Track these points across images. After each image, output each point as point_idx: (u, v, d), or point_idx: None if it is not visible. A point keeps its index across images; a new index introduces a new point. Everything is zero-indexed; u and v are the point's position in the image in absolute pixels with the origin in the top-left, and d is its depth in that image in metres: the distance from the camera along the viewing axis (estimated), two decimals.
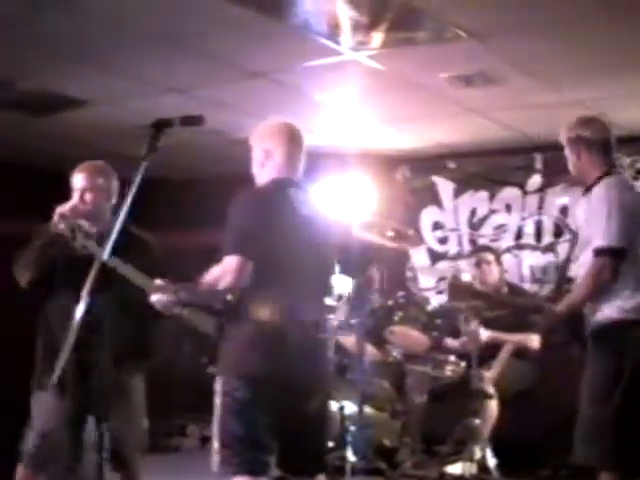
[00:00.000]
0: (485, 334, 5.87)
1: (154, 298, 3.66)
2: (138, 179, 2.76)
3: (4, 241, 4.29)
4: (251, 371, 3.41)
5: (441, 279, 7.61)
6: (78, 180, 4.33)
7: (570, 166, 4.21)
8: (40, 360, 4.25)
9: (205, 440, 7.86)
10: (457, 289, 5.53)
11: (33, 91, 6.13)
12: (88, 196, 4.28)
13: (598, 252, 3.92)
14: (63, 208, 4.22)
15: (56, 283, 4.19)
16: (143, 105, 6.21)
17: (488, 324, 5.88)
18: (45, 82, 5.96)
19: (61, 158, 7.88)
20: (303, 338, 3.50)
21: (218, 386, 3.47)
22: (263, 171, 3.68)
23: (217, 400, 3.45)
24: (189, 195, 8.54)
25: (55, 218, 4.19)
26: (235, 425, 3.39)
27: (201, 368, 7.64)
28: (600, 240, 3.91)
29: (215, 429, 3.45)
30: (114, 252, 2.93)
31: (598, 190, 4.01)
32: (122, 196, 4.24)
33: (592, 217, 3.99)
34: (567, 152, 4.19)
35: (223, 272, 3.41)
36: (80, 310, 2.76)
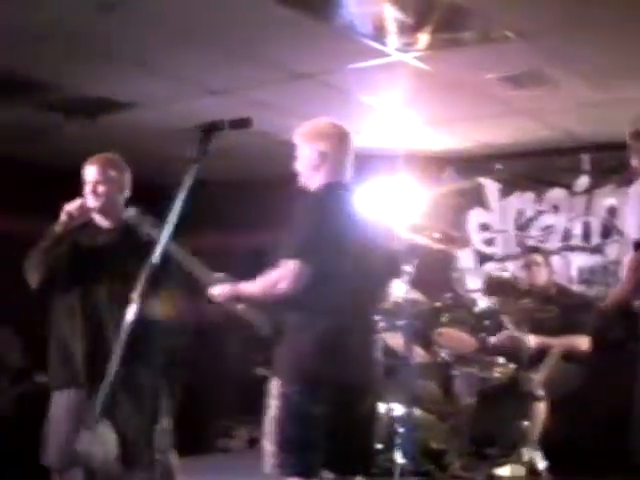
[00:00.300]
0: (533, 340, 5.82)
1: (215, 290, 3.68)
2: (189, 182, 2.76)
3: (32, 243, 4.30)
4: (310, 374, 3.42)
5: None
6: (90, 172, 4.28)
7: (632, 163, 4.14)
8: (53, 361, 4.24)
9: (253, 442, 7.88)
10: (495, 285, 5.49)
11: (77, 94, 6.20)
12: (100, 189, 4.23)
13: (636, 245, 3.88)
14: (71, 206, 4.20)
15: (62, 282, 4.17)
16: (188, 107, 6.27)
17: (536, 327, 5.84)
18: (89, 85, 6.02)
19: None
20: (357, 340, 3.52)
21: (274, 388, 3.47)
22: (316, 174, 3.67)
23: (273, 402, 3.46)
24: (234, 197, 8.59)
25: (62, 216, 4.17)
26: (292, 427, 3.40)
27: (248, 369, 7.69)
28: (637, 233, 3.87)
29: (269, 431, 3.46)
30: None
31: (636, 186, 3.95)
32: (138, 194, 4.29)
33: (630, 211, 3.95)
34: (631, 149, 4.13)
35: (281, 276, 3.43)
36: (131, 313, 2.76)
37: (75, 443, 3.92)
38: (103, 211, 4.29)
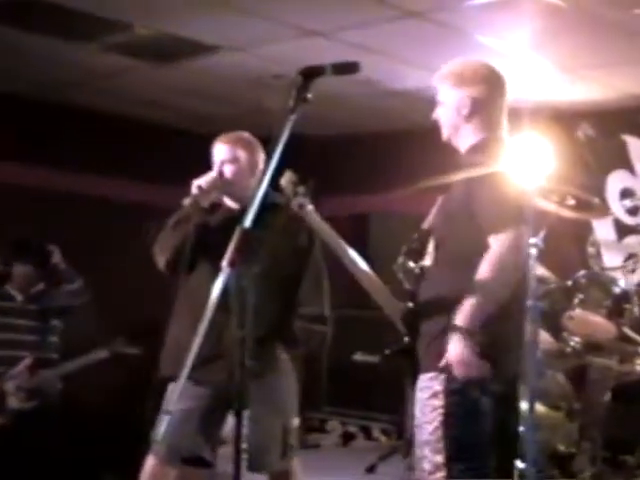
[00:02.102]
0: None
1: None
2: (285, 135, 2.80)
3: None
4: (492, 364, 3.42)
5: (631, 256, 7.48)
6: (218, 151, 4.49)
7: None
8: (169, 349, 4.42)
9: (348, 437, 7.99)
10: None
11: (156, 35, 6.31)
12: (228, 169, 4.43)
13: None
14: (202, 179, 4.37)
15: (188, 267, 4.33)
16: (282, 51, 6.35)
17: None
18: (170, 25, 6.12)
19: (189, 112, 8.12)
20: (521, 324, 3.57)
21: (435, 385, 3.45)
22: (465, 126, 3.63)
23: (435, 402, 3.44)
24: (335, 154, 8.65)
25: (193, 189, 4.34)
26: (470, 429, 3.41)
27: (344, 354, 7.76)
28: None
29: (434, 439, 3.43)
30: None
31: None
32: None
33: None
34: None
35: (510, 248, 3.38)
36: (218, 284, 2.84)
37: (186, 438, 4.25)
38: (231, 194, 4.49)
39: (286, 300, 4.46)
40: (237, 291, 2.97)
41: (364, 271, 3.88)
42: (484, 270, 3.41)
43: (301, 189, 3.98)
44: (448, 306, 3.47)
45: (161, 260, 4.39)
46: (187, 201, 4.34)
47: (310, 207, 3.93)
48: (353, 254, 3.89)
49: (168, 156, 8.04)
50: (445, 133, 3.70)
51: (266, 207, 4.23)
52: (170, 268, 4.36)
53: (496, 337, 3.44)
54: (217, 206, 4.48)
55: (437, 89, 3.73)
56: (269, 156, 2.83)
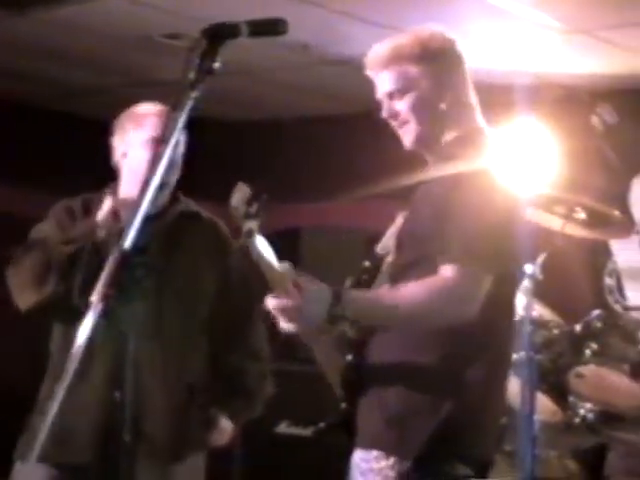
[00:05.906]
0: None
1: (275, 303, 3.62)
2: (182, 119, 2.80)
3: None
4: (458, 447, 3.51)
5: None
6: (148, 125, 4.41)
7: None
8: (35, 419, 4.36)
9: None
10: None
11: None
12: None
13: None
14: (119, 202, 4.31)
15: (70, 303, 4.20)
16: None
17: None
18: None
19: (43, 81, 8.10)
20: (502, 396, 3.75)
21: (375, 466, 3.50)
22: (443, 119, 3.65)
23: None
24: (253, 145, 8.68)
25: (102, 214, 4.27)
26: None
27: (263, 430, 7.76)
28: None
29: None
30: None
31: None
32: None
33: None
34: None
35: (469, 291, 3.39)
36: (85, 330, 2.76)
37: None
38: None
39: (200, 352, 4.48)
40: (110, 339, 2.92)
41: None
42: (415, 292, 3.44)
43: (254, 208, 4.01)
44: (402, 365, 3.52)
45: (30, 293, 4.23)
46: (101, 231, 4.25)
47: (260, 237, 3.96)
48: None
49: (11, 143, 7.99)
50: (411, 137, 3.69)
51: (175, 218, 4.20)
52: (42, 309, 4.23)
53: (487, 411, 3.52)
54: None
55: (383, 78, 3.72)
56: (161, 145, 2.81)
